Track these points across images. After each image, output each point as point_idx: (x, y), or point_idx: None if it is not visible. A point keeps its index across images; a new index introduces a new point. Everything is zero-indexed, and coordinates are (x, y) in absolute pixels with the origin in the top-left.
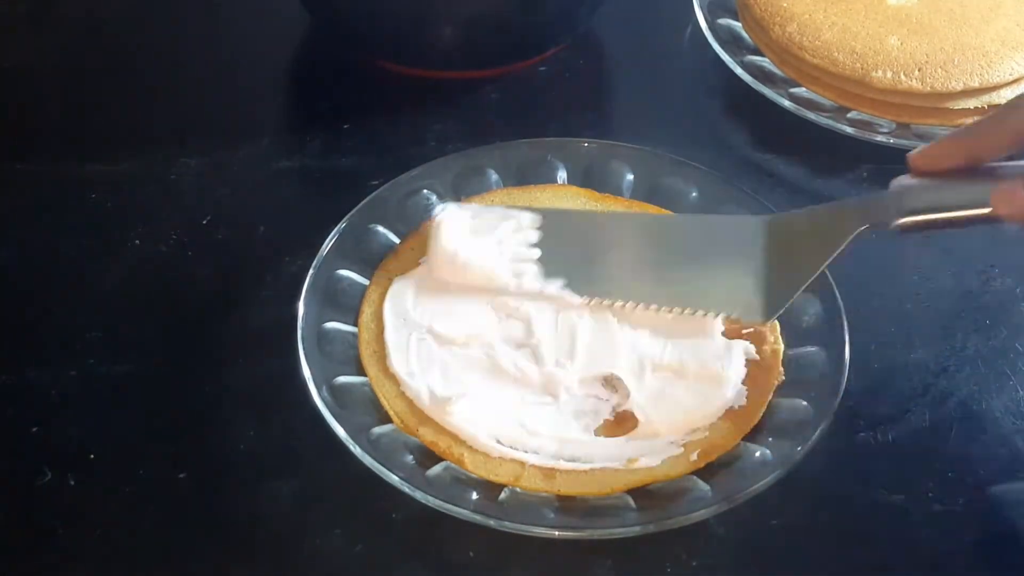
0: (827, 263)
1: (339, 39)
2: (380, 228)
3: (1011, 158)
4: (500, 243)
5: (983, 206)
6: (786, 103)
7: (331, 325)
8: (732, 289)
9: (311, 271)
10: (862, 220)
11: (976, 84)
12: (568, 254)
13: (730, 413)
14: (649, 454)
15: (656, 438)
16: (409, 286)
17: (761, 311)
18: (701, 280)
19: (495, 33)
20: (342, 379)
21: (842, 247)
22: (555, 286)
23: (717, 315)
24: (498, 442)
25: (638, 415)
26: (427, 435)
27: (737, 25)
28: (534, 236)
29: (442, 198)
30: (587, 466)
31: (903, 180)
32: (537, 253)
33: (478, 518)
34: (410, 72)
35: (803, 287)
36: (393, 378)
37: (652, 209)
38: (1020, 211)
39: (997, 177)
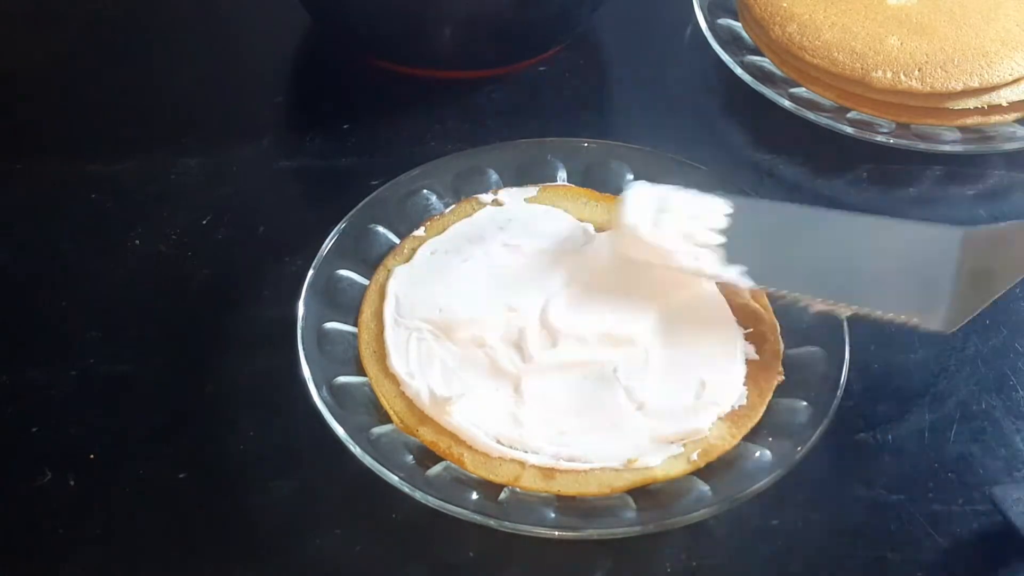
0: (1018, 279)
1: (339, 39)
2: (380, 228)
3: None
4: (685, 226)
5: None
6: (786, 103)
7: (331, 325)
8: (914, 294)
9: (311, 271)
10: None
11: (976, 84)
12: (753, 243)
13: (730, 413)
14: (649, 454)
15: (652, 434)
16: (409, 274)
17: (942, 320)
18: (886, 282)
19: (495, 33)
20: (342, 379)
21: None
22: (733, 272)
23: (895, 317)
24: (498, 442)
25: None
26: (427, 435)
27: (737, 25)
28: (722, 223)
29: (442, 198)
30: (587, 466)
31: None
32: (721, 239)
33: (478, 518)
34: (410, 72)
35: (989, 302)
36: (393, 378)
37: None
38: None
39: None
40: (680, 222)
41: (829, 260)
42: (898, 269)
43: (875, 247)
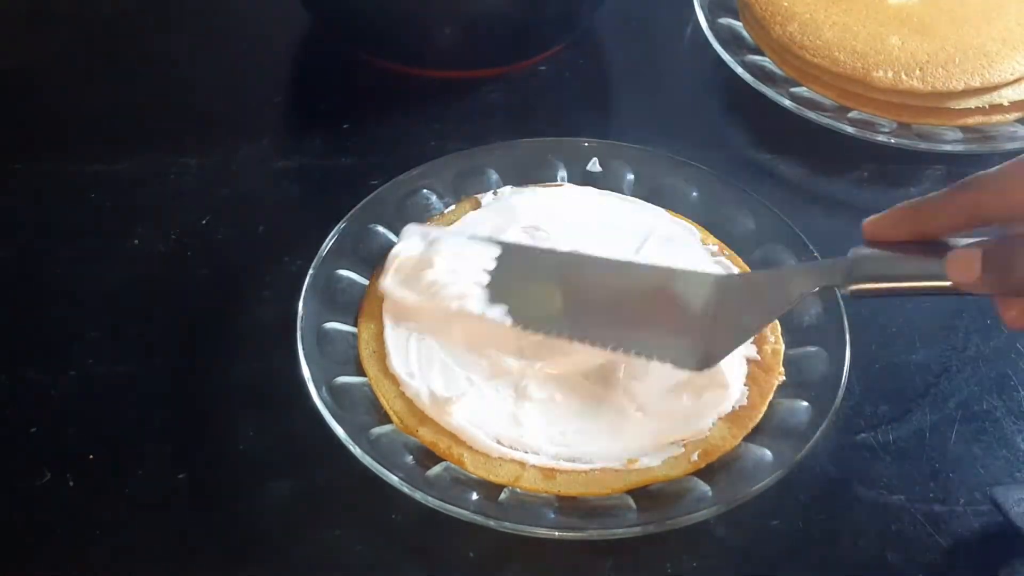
0: (768, 322)
1: (339, 38)
2: (380, 228)
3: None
4: (454, 270)
5: (937, 278)
6: (787, 103)
7: (331, 325)
8: (671, 338)
9: (311, 271)
10: (811, 283)
11: (977, 84)
12: (518, 286)
13: (731, 414)
14: (649, 454)
15: (654, 436)
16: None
17: (695, 361)
18: (643, 326)
19: (495, 33)
20: (342, 379)
21: (787, 308)
22: (495, 311)
23: (650, 360)
24: (498, 442)
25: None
26: (427, 435)
27: (738, 24)
28: (489, 264)
29: (442, 198)
30: (587, 466)
31: (860, 249)
32: (486, 280)
33: (478, 518)
34: (410, 72)
35: (741, 344)
36: (393, 378)
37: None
38: (974, 279)
39: (951, 248)
40: (447, 261)
41: (590, 304)
42: (654, 313)
43: (634, 292)
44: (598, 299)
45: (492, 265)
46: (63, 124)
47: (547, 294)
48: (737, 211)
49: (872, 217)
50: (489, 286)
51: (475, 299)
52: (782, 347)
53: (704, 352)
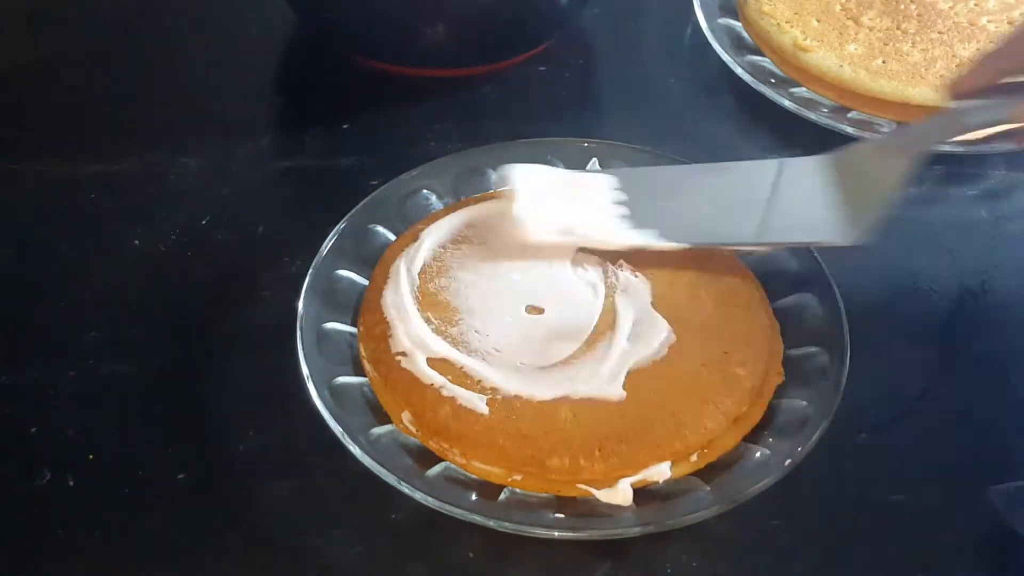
0: (903, 182)
1: (329, 40)
2: (380, 228)
3: None
4: (585, 203)
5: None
6: (786, 103)
7: (331, 325)
8: (819, 219)
9: (311, 271)
10: (925, 140)
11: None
12: (653, 207)
13: None
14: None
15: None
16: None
17: (851, 234)
18: (788, 215)
19: (481, 29)
20: (342, 379)
21: (913, 164)
22: (649, 236)
23: (812, 242)
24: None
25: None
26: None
27: (737, 24)
28: (617, 196)
29: (441, 198)
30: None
31: (952, 104)
32: (623, 210)
33: (478, 518)
34: (409, 72)
35: (886, 205)
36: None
37: None
38: None
39: None
40: (576, 200)
41: (726, 208)
42: (791, 200)
43: (761, 188)
44: (731, 202)
45: (616, 195)
46: (63, 124)
47: (684, 208)
48: None
49: (955, 75)
50: (628, 216)
51: (617, 231)
52: (782, 347)
53: (853, 225)
